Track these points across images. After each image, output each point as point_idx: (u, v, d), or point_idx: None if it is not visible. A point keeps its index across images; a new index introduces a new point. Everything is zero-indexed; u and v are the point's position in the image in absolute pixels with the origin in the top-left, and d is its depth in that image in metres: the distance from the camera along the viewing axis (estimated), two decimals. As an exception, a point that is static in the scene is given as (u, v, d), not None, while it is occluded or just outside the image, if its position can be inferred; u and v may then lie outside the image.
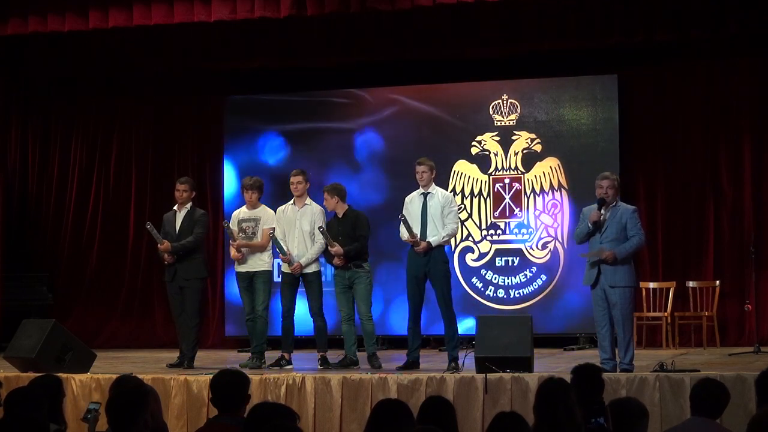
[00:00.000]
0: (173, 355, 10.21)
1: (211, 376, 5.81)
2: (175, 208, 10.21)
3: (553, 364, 9.72)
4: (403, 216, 9.40)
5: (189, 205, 10.17)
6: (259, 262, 9.99)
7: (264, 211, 10.09)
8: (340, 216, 9.79)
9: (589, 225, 8.56)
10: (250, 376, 5.96)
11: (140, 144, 13.43)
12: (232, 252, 10.05)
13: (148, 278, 13.13)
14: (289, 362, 9.83)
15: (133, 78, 13.27)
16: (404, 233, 9.40)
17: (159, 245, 10.05)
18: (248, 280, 10.00)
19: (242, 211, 10.18)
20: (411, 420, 4.48)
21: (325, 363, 9.67)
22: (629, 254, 8.48)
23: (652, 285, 11.69)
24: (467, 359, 8.97)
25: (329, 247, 9.65)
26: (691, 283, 11.68)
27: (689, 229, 11.92)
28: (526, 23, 11.51)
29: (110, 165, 13.47)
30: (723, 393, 5.38)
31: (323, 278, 10.05)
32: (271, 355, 10.20)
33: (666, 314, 11.49)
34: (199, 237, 10.06)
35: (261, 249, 9.99)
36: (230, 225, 10.09)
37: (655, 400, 7.71)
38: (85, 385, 8.61)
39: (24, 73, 12.94)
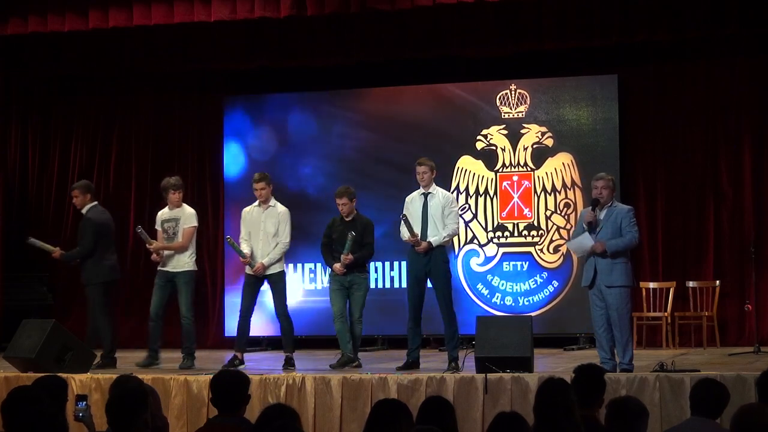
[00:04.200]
0: (173, 355, 10.21)
1: (211, 376, 5.81)
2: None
3: (553, 364, 9.72)
4: (405, 216, 9.39)
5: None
6: (180, 263, 9.97)
7: (183, 210, 10.09)
8: (347, 219, 9.78)
9: (584, 226, 8.57)
10: (250, 376, 5.97)
11: (140, 144, 13.42)
12: (152, 255, 10.00)
13: (148, 278, 13.08)
14: (242, 362, 9.74)
15: (133, 78, 13.26)
16: (405, 233, 9.39)
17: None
18: (166, 279, 9.97)
19: (164, 212, 10.17)
20: (410, 420, 4.49)
21: (290, 364, 9.59)
22: (619, 249, 8.44)
23: (652, 285, 11.68)
24: (467, 359, 8.97)
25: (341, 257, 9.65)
26: (691, 283, 11.67)
27: (689, 229, 11.90)
28: (526, 23, 11.48)
29: (110, 165, 13.46)
30: (723, 393, 5.39)
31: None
32: (269, 355, 10.19)
33: (666, 314, 11.49)
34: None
35: (182, 249, 9.96)
36: (156, 227, 10.07)
37: (655, 400, 7.72)
38: (85, 385, 8.61)
39: (24, 73, 12.94)
